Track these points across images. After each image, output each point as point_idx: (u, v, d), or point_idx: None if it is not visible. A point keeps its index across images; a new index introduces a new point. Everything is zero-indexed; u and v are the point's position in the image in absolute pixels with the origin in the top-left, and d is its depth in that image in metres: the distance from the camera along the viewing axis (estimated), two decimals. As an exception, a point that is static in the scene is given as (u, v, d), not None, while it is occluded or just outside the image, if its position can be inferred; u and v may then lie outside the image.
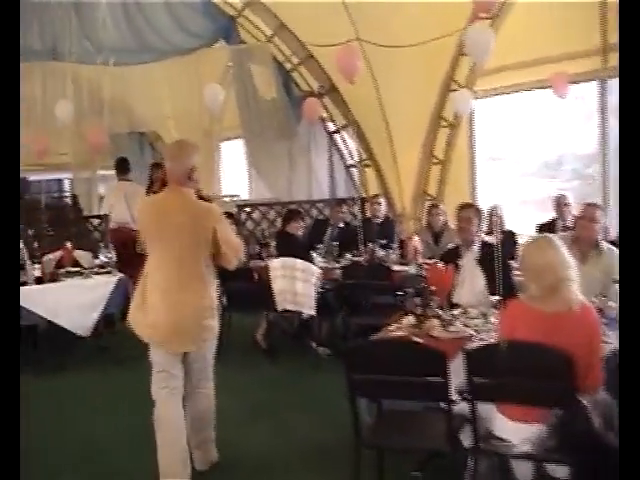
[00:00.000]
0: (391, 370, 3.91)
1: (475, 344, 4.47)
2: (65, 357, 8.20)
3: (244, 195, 14.45)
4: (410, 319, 5.16)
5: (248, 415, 6.39)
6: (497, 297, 5.15)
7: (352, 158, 12.38)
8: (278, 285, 7.84)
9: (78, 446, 5.85)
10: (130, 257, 7.53)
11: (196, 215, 4.72)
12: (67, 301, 7.92)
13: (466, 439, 3.90)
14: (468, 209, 6.24)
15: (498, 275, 5.25)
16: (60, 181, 20.15)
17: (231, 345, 7.79)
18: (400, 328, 5.06)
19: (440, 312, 5.13)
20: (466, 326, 4.96)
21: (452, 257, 6.08)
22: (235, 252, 4.83)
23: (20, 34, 9.41)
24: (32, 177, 17.59)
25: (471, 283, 5.90)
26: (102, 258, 8.82)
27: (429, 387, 3.88)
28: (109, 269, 8.48)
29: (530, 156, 11.10)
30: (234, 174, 14.93)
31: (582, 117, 9.88)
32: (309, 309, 7.73)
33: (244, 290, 8.16)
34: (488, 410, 3.90)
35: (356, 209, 11.41)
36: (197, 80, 10.78)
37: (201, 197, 4.82)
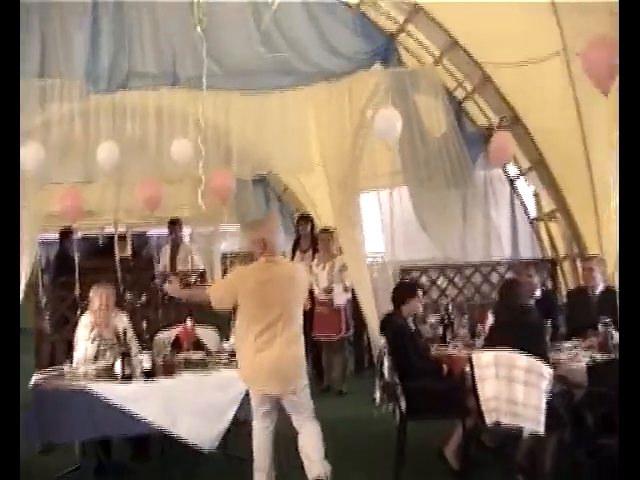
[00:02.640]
0: None
1: None
2: (185, 473, 6.27)
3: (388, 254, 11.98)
4: None
5: None
6: None
7: (538, 209, 9.83)
8: (489, 388, 5.44)
9: None
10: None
11: (299, 277, 5.77)
12: (185, 403, 5.80)
13: None
14: None
15: None
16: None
17: (408, 462, 6.11)
18: None
19: None
20: None
21: None
22: None
23: (131, 57, 7.47)
24: (151, 231, 16.13)
25: None
26: (233, 341, 6.51)
27: None
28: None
29: None
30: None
31: None
32: (535, 424, 5.28)
33: (428, 390, 5.93)
34: None
35: (545, 274, 9.03)
36: (348, 111, 8.64)
37: None
